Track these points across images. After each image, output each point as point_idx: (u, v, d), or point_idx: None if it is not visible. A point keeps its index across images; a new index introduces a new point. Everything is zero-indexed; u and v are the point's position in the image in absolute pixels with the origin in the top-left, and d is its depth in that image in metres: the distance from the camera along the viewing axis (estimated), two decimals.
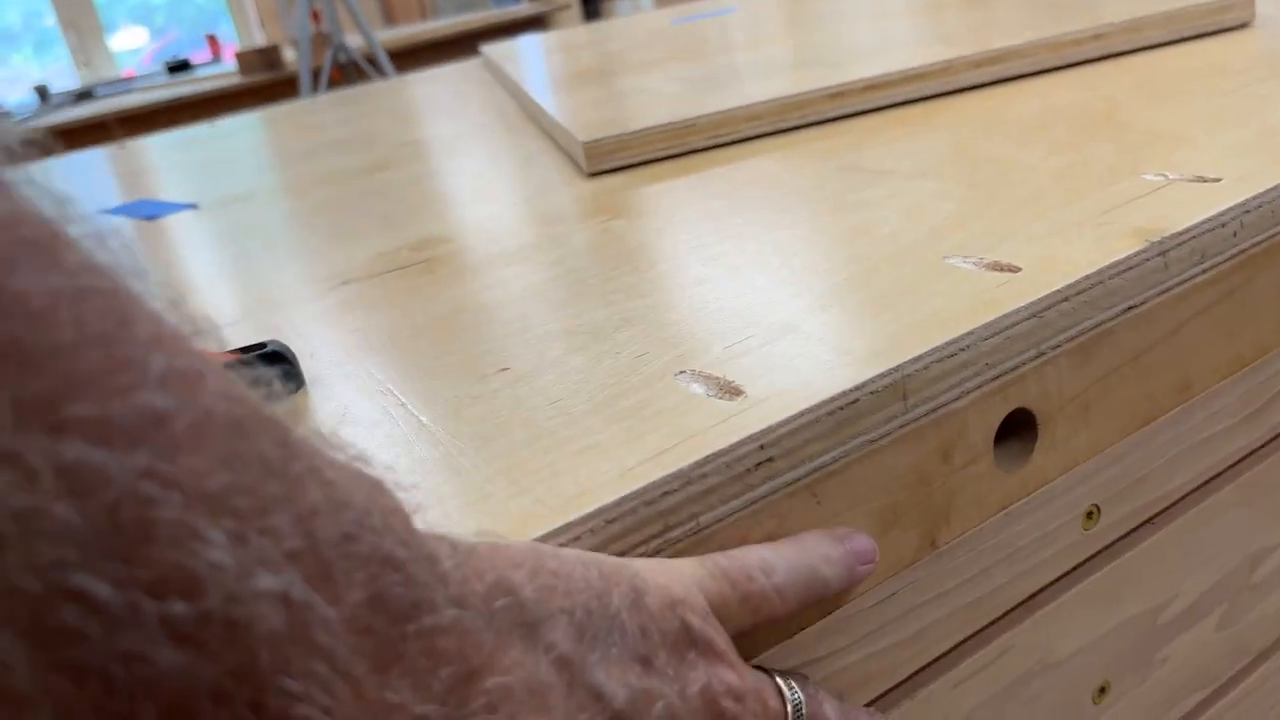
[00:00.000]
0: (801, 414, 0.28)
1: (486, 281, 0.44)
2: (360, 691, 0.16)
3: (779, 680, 0.26)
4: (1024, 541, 0.34)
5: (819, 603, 0.28)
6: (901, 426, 0.30)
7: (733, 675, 0.24)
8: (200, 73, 3.19)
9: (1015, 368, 0.32)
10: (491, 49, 1.31)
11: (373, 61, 2.86)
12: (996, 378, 0.32)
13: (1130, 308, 0.34)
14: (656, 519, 0.26)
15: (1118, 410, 0.35)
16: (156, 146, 1.12)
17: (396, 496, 0.19)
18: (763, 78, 0.71)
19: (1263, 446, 0.41)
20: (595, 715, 0.21)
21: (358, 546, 0.17)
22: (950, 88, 0.64)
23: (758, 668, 0.26)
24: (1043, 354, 0.32)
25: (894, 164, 0.51)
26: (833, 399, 0.28)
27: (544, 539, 0.24)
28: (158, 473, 0.14)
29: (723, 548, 0.27)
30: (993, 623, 0.34)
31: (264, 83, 2.85)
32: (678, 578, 0.24)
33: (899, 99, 0.64)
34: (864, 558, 0.29)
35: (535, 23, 3.29)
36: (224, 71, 3.06)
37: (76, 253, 0.16)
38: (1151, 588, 0.39)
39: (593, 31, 1.37)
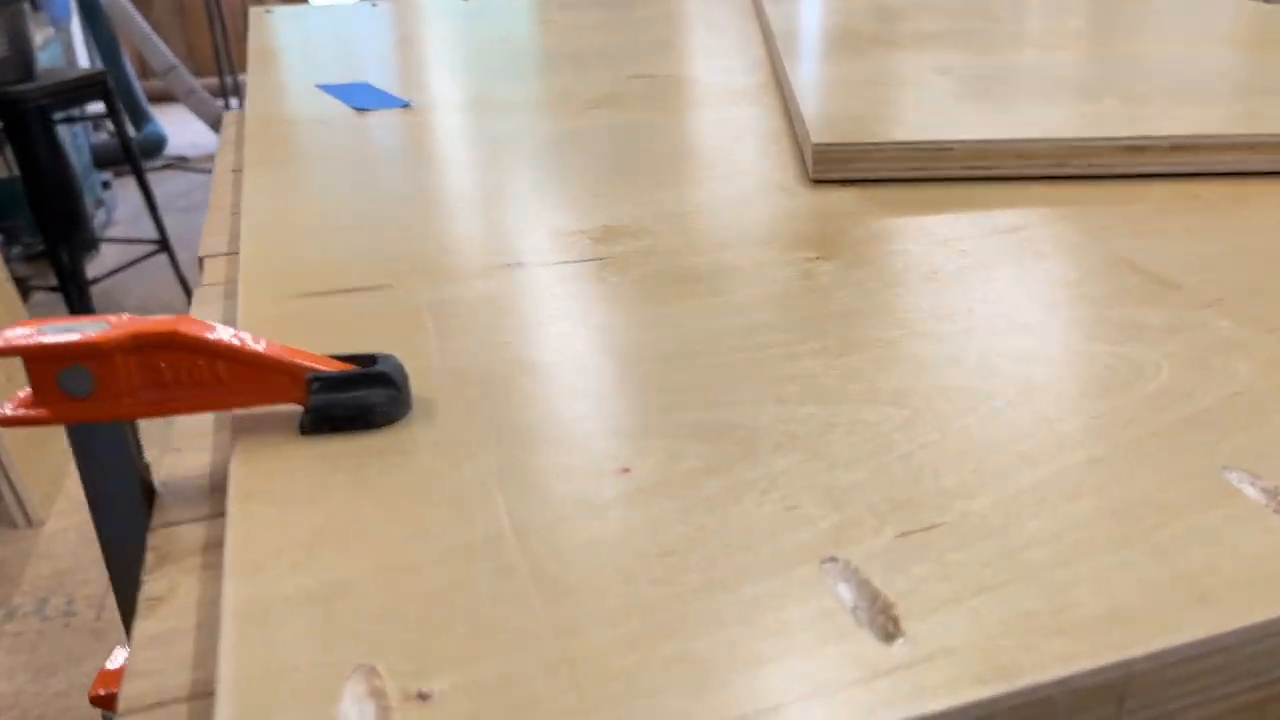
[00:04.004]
0: (975, 706, 0.20)
1: (649, 314, 0.38)
2: None
3: None
4: None
5: None
6: None
7: None
8: None
9: None
10: None
11: None
12: (1259, 686, 0.23)
13: None
14: None
15: None
16: (411, 10, 1.09)
17: None
18: (1046, 99, 0.60)
19: None
20: None
21: None
22: (1278, 169, 0.52)
23: None
24: None
25: (1183, 272, 0.41)
26: (1018, 693, 0.21)
27: None
28: None
29: None
30: None
31: None
32: None
33: (1213, 169, 0.52)
34: None
35: None
36: None
37: None
38: None
39: None
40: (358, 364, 0.32)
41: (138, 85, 4.05)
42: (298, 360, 0.30)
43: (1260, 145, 0.51)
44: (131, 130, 3.46)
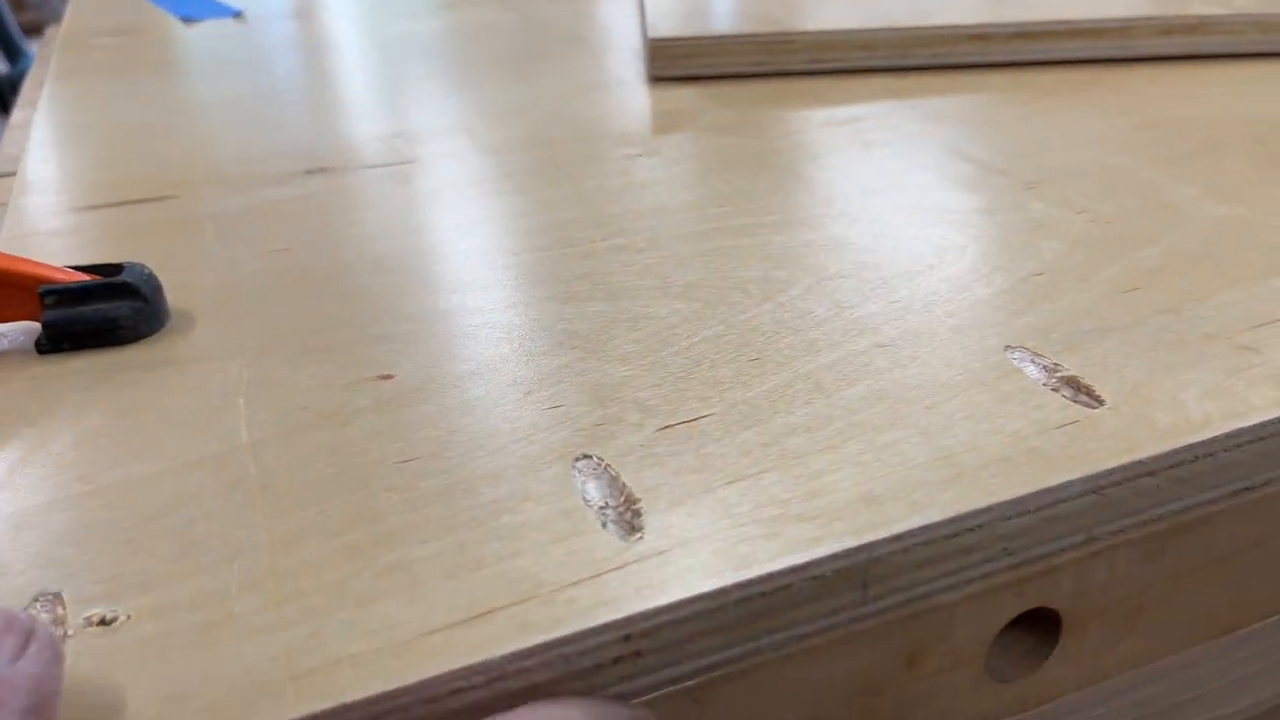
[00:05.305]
0: (699, 598, 0.19)
1: (449, 216, 0.36)
2: None
3: None
4: None
5: None
6: (853, 621, 0.21)
7: None
8: None
9: (1047, 555, 0.23)
10: None
11: None
12: (1015, 566, 0.22)
13: (1246, 489, 0.24)
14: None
15: (1184, 618, 0.26)
16: None
17: None
18: None
19: None
20: None
21: None
22: (1122, 54, 0.51)
23: None
24: (1094, 539, 0.23)
25: (1008, 158, 0.40)
26: (752, 582, 0.20)
27: None
28: None
29: None
30: None
31: None
32: None
33: (1052, 55, 0.51)
34: None
35: None
36: None
37: None
38: None
39: None
40: (102, 274, 0.29)
41: (10, 18, 3.82)
42: (25, 271, 0.28)
43: (1103, 31, 0.51)
44: (6, 65, 3.27)
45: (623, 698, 0.19)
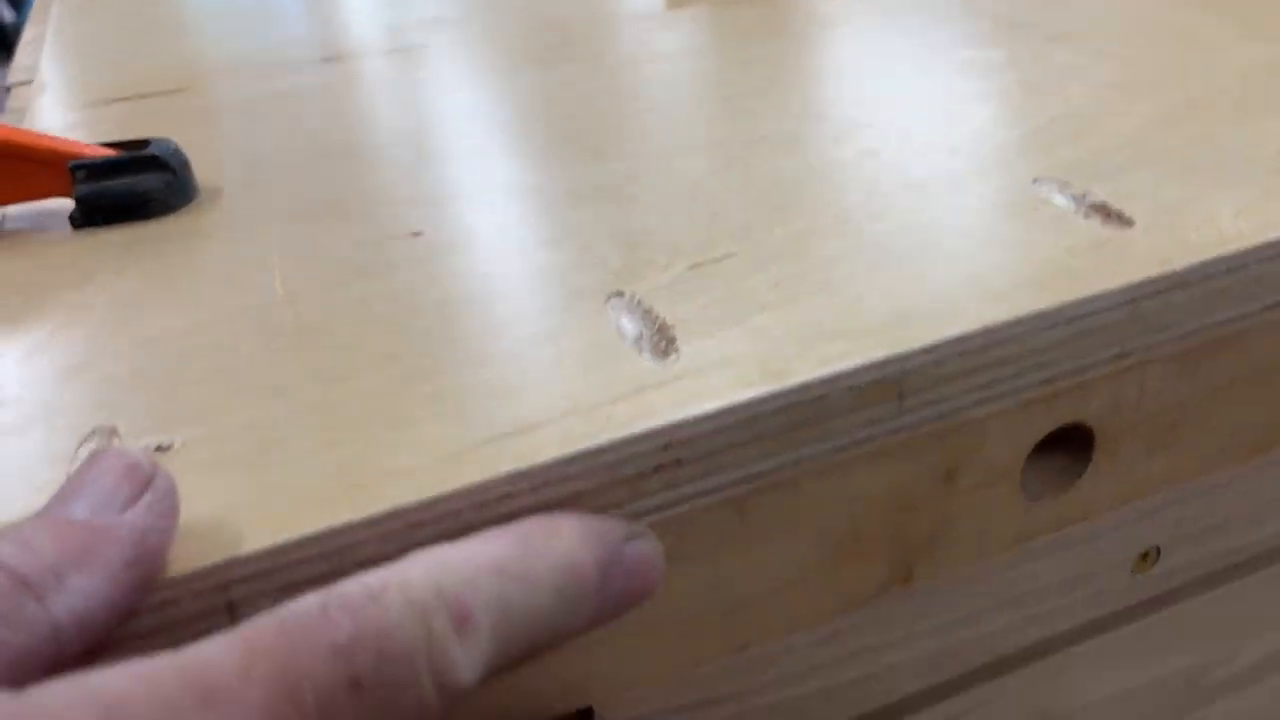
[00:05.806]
0: (738, 407, 0.20)
1: (468, 95, 0.36)
2: None
3: None
4: (1041, 583, 0.26)
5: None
6: (890, 433, 0.21)
7: None
8: None
9: (1080, 370, 0.23)
10: None
11: None
12: (1048, 380, 0.22)
13: (1279, 304, 0.24)
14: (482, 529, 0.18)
15: (1219, 434, 0.26)
16: None
17: None
18: None
19: None
20: None
21: None
22: None
23: None
24: (1127, 355, 0.23)
25: (1032, 13, 0.39)
26: (788, 392, 0.20)
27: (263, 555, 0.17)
28: None
29: None
30: (973, 672, 0.27)
31: None
32: None
33: None
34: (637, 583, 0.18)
35: None
36: None
37: None
38: (1204, 644, 0.31)
39: None
40: (129, 151, 0.29)
41: None
42: (54, 147, 0.28)
43: None
44: (12, 14, 3.25)
45: (664, 508, 0.20)
